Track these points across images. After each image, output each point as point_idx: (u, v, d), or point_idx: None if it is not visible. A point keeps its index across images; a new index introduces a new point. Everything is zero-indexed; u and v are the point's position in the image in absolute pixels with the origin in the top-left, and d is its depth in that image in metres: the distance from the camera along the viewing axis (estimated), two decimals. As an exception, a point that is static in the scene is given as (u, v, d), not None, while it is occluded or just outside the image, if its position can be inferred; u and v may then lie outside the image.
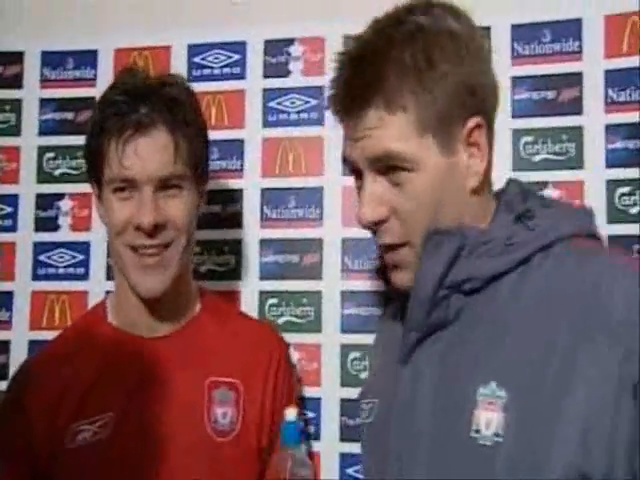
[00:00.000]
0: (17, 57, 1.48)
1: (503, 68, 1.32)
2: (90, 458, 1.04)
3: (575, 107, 1.30)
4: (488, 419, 0.75)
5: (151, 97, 1.06)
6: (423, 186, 0.81)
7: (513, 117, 1.32)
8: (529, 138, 1.31)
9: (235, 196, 1.40)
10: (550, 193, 1.29)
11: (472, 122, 0.82)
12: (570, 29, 1.31)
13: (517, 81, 1.33)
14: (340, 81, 0.84)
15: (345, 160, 0.87)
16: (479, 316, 0.82)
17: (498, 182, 1.28)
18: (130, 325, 1.13)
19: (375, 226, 0.84)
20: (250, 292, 1.37)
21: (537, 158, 1.31)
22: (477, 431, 0.76)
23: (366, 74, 0.80)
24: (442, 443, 0.79)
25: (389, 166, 0.81)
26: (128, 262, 1.07)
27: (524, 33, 1.33)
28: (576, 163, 1.29)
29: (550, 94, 1.31)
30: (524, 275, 0.80)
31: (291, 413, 0.99)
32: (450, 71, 0.80)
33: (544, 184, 1.30)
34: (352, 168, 0.87)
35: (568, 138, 1.30)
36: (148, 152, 1.04)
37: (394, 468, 0.85)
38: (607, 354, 0.72)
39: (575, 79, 1.30)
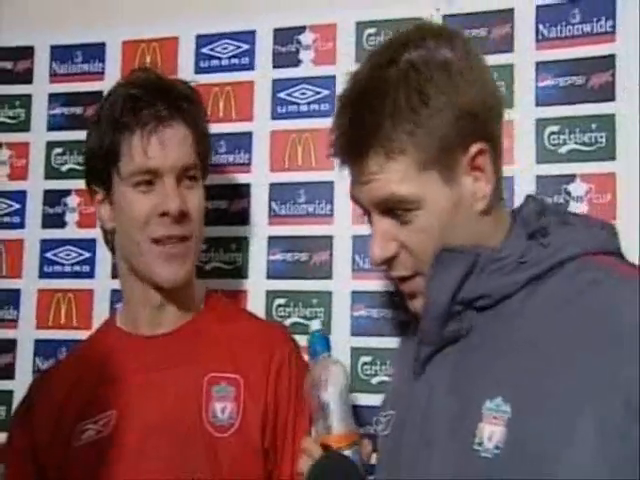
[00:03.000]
0: (27, 52, 1.47)
1: (527, 53, 1.24)
2: (93, 455, 1.06)
3: (607, 93, 1.19)
4: (491, 432, 0.76)
5: (166, 93, 1.09)
6: (429, 220, 0.83)
7: (537, 105, 1.23)
8: (555, 128, 1.21)
9: (242, 191, 1.35)
10: (578, 187, 1.19)
11: (474, 148, 0.82)
12: (602, 8, 1.20)
13: (542, 66, 1.23)
14: (339, 128, 0.87)
15: (353, 198, 0.90)
16: (489, 331, 0.82)
17: (522, 174, 1.22)
18: (134, 326, 1.14)
19: (387, 262, 0.87)
20: (257, 291, 1.32)
21: (564, 149, 1.21)
22: (480, 443, 0.76)
23: (363, 122, 0.82)
24: (448, 453, 0.80)
25: (395, 206, 0.83)
26: (152, 254, 1.06)
27: (550, 14, 1.23)
28: (607, 154, 1.19)
29: (578, 79, 1.21)
30: (533, 291, 0.80)
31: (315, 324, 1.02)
32: (446, 103, 0.81)
33: (571, 177, 1.20)
34: (361, 206, 0.90)
35: (599, 127, 1.19)
36: (171, 143, 1.06)
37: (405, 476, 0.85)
38: (613, 377, 0.71)
39: (607, 63, 1.20)
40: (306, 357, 1.20)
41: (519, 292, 0.81)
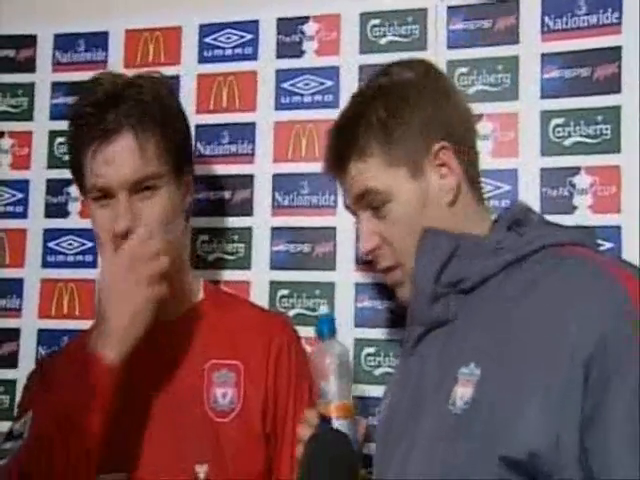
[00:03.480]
0: (30, 40, 1.47)
1: (532, 44, 1.24)
2: None
3: (612, 85, 1.19)
4: (463, 392, 0.83)
5: (116, 102, 1.05)
6: (401, 211, 0.95)
7: (542, 97, 1.23)
8: (560, 120, 1.21)
9: (245, 182, 1.34)
10: (582, 179, 1.19)
11: (437, 146, 0.95)
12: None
13: (547, 58, 1.23)
14: (327, 151, 1.04)
15: (347, 207, 1.05)
16: (472, 311, 0.89)
17: (526, 167, 1.22)
18: None
19: (372, 254, 0.99)
20: (260, 282, 1.32)
21: (568, 141, 1.21)
22: (453, 403, 0.84)
23: (343, 140, 0.99)
24: (430, 417, 0.87)
25: (371, 201, 0.96)
26: None
27: (556, 5, 1.23)
28: (612, 147, 1.18)
29: (583, 71, 1.20)
30: (509, 275, 0.87)
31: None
32: (411, 113, 0.95)
33: (576, 170, 1.20)
34: (353, 213, 1.03)
35: (604, 119, 1.19)
36: (117, 158, 1.04)
37: (397, 450, 0.90)
38: (563, 338, 0.76)
39: (613, 54, 1.19)
40: (308, 348, 1.22)
41: (497, 276, 0.88)
